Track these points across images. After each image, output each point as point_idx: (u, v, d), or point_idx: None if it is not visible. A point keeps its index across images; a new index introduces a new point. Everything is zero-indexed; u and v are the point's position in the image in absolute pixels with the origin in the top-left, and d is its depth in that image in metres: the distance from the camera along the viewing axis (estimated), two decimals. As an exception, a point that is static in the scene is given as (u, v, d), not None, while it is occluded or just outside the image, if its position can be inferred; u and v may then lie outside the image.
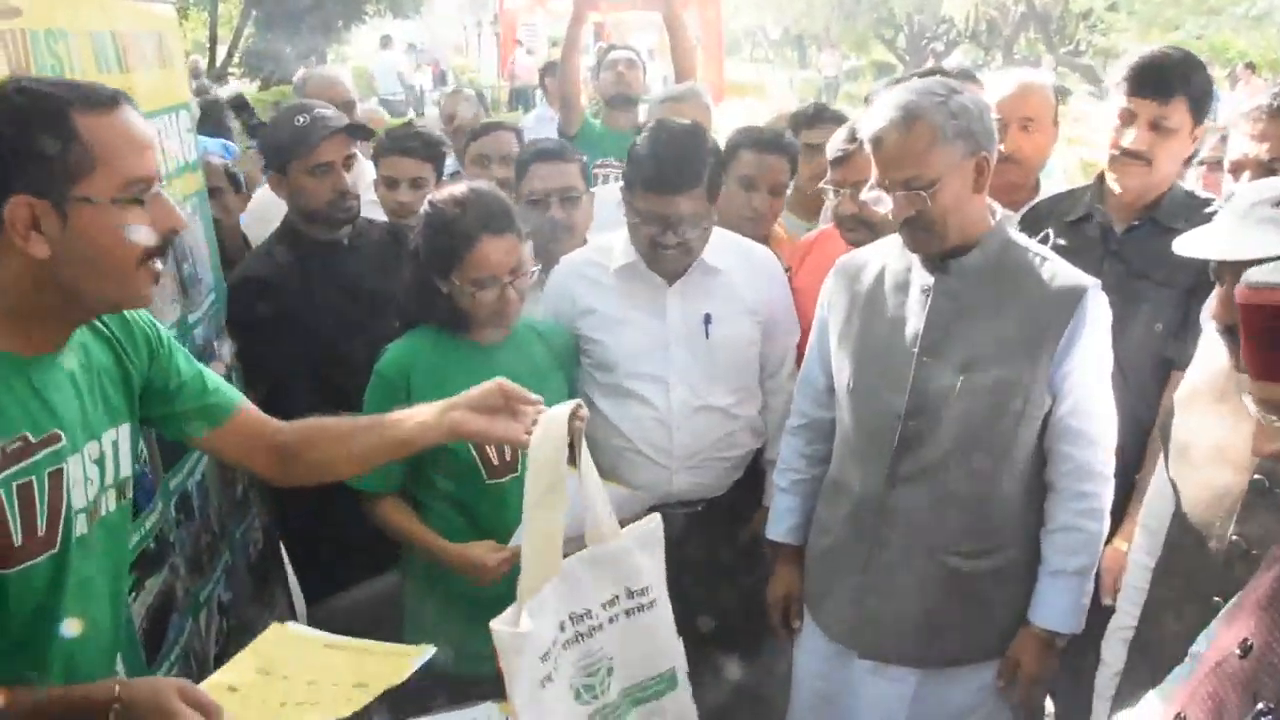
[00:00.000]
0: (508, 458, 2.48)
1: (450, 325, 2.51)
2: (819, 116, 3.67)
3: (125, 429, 1.73)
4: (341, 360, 2.73)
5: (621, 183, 2.77)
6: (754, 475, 2.91)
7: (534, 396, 1.96)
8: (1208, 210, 2.52)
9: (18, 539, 1.49)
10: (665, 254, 2.64)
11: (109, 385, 1.71)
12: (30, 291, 1.50)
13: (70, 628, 1.62)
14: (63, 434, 1.57)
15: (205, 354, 2.91)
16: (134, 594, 2.26)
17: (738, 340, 2.77)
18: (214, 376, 1.95)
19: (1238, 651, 1.38)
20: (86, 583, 1.65)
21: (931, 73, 3.85)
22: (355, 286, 2.96)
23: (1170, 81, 2.54)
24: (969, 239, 2.25)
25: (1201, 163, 3.50)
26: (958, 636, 2.38)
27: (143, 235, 1.53)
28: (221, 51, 21.12)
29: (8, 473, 1.48)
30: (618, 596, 2.03)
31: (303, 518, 3.08)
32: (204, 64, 18.06)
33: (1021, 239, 2.35)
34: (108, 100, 1.53)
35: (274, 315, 2.81)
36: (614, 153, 4.31)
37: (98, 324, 1.71)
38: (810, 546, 2.59)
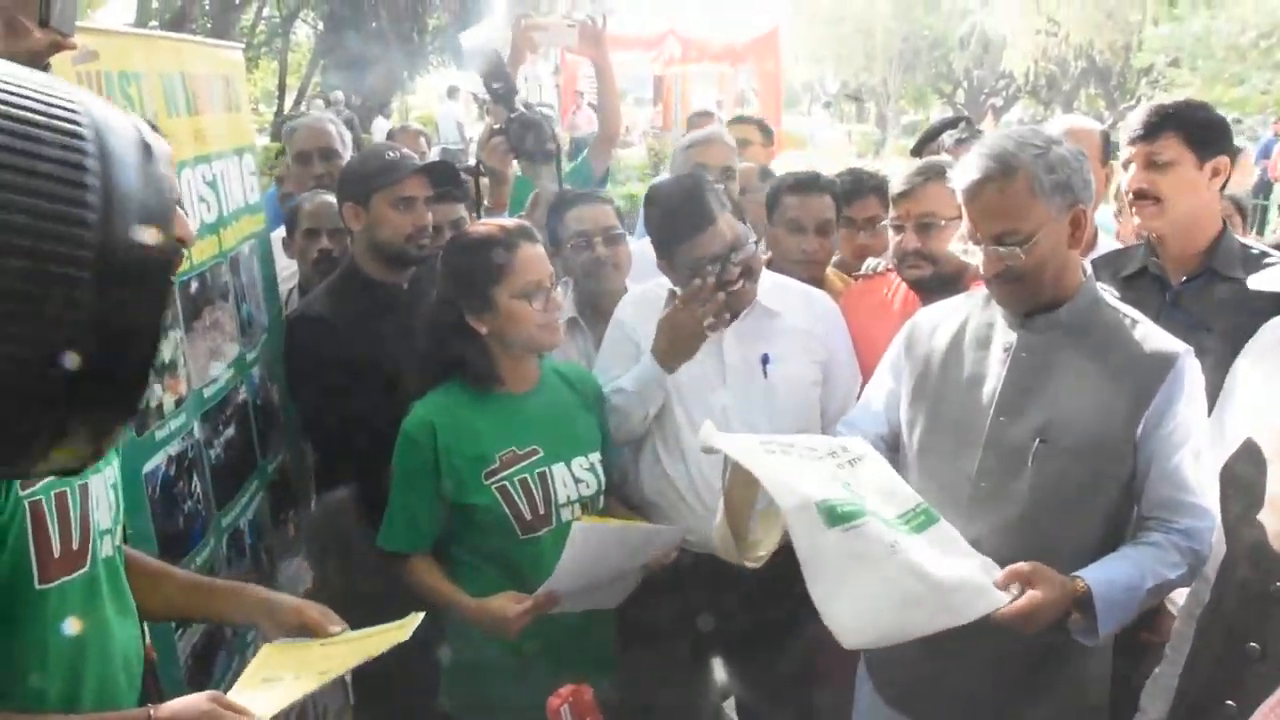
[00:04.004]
0: (540, 512, 2.46)
1: (479, 378, 2.48)
2: (858, 189, 3.49)
3: (116, 468, 1.73)
4: (393, 401, 2.73)
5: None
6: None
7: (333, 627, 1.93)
8: (1268, 261, 2.50)
9: (56, 550, 1.51)
10: (733, 290, 2.60)
11: None
12: None
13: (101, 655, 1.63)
14: None
15: (262, 392, 2.94)
16: (180, 631, 2.26)
17: (798, 381, 2.73)
18: None
19: None
20: (118, 609, 1.67)
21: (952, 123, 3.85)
22: (413, 330, 2.96)
23: (1155, 122, 2.63)
24: (1059, 295, 2.17)
25: None
26: (1021, 712, 2.25)
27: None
28: (290, 100, 21.63)
29: (47, 481, 1.50)
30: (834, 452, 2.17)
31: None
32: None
33: (1110, 299, 2.26)
34: None
35: (329, 355, 2.81)
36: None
37: None
38: None
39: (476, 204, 3.53)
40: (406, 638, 1.82)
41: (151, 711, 1.52)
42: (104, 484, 1.64)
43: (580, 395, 2.64)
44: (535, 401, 2.53)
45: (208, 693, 1.59)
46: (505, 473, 2.43)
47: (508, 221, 2.58)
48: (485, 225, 2.54)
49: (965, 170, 2.14)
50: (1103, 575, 2.03)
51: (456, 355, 2.47)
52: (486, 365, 2.47)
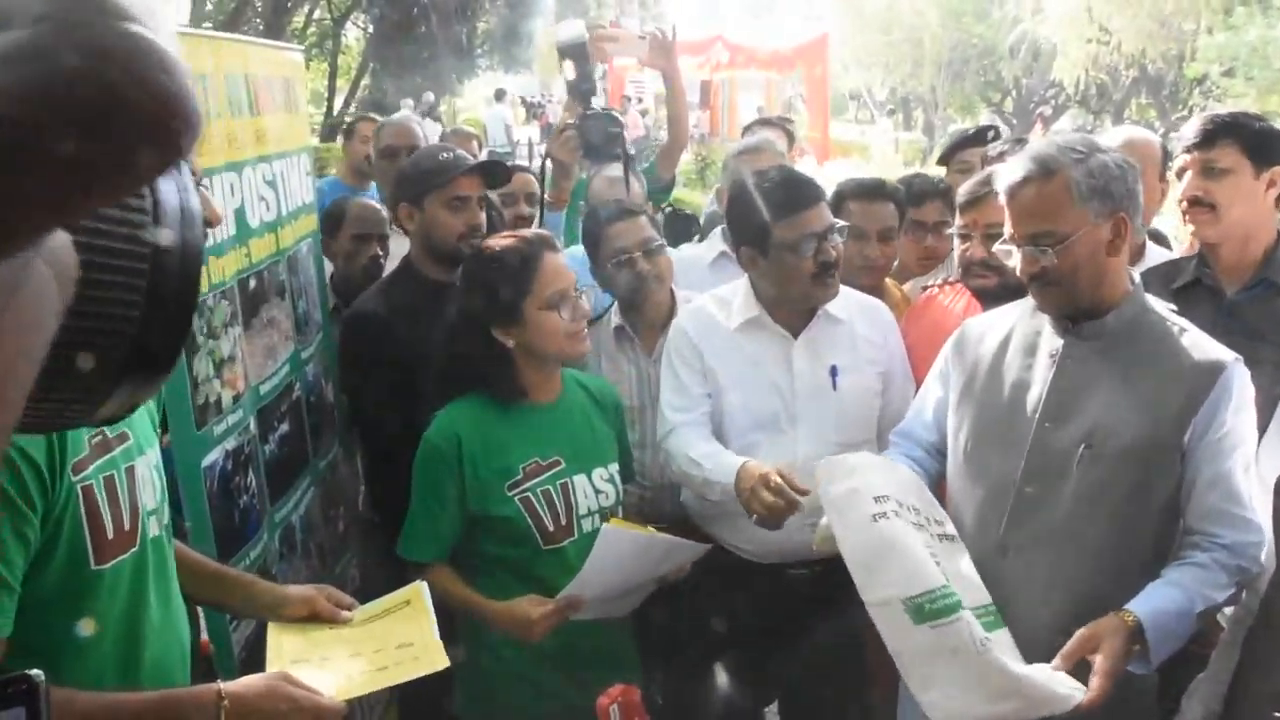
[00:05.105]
0: (563, 523, 2.47)
1: (504, 391, 2.49)
2: (925, 193, 3.54)
3: (158, 450, 1.79)
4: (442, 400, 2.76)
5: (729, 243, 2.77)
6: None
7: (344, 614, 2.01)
8: None
9: (109, 532, 1.57)
10: (829, 277, 2.62)
11: (151, 403, 1.82)
12: None
13: (160, 629, 1.69)
14: (131, 434, 1.65)
15: (315, 388, 2.97)
16: (234, 624, 2.30)
17: (864, 391, 2.74)
18: None
19: None
20: (164, 588, 1.73)
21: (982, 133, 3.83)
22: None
23: (1211, 131, 2.63)
24: (1103, 302, 2.17)
25: None
26: None
27: None
28: (339, 102, 21.84)
29: (96, 465, 1.55)
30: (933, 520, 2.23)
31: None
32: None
33: (1160, 307, 2.26)
34: None
35: (383, 351, 2.86)
36: None
37: None
38: None
39: (540, 200, 3.54)
40: (444, 665, 1.88)
41: (221, 687, 1.58)
42: (148, 466, 1.69)
43: (600, 406, 2.66)
44: (558, 412, 2.56)
45: (275, 671, 1.67)
46: (528, 484, 2.45)
47: (527, 232, 2.59)
48: (506, 238, 2.55)
49: (1008, 172, 2.18)
50: (1153, 606, 2.02)
51: (481, 369, 2.49)
52: (511, 378, 2.48)
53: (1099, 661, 1.95)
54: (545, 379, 2.53)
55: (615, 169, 3.81)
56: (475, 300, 2.47)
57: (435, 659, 1.88)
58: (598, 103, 3.51)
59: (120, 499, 1.59)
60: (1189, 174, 2.65)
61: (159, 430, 1.83)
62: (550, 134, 3.78)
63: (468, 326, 2.48)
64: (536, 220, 3.73)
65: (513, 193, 3.93)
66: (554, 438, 2.50)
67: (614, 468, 2.59)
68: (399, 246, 3.52)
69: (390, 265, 3.58)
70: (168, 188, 0.70)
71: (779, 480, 2.31)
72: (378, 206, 3.77)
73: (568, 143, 3.44)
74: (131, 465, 1.63)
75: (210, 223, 1.67)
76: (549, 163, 3.57)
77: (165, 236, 0.69)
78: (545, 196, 3.61)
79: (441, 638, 1.97)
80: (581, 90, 3.45)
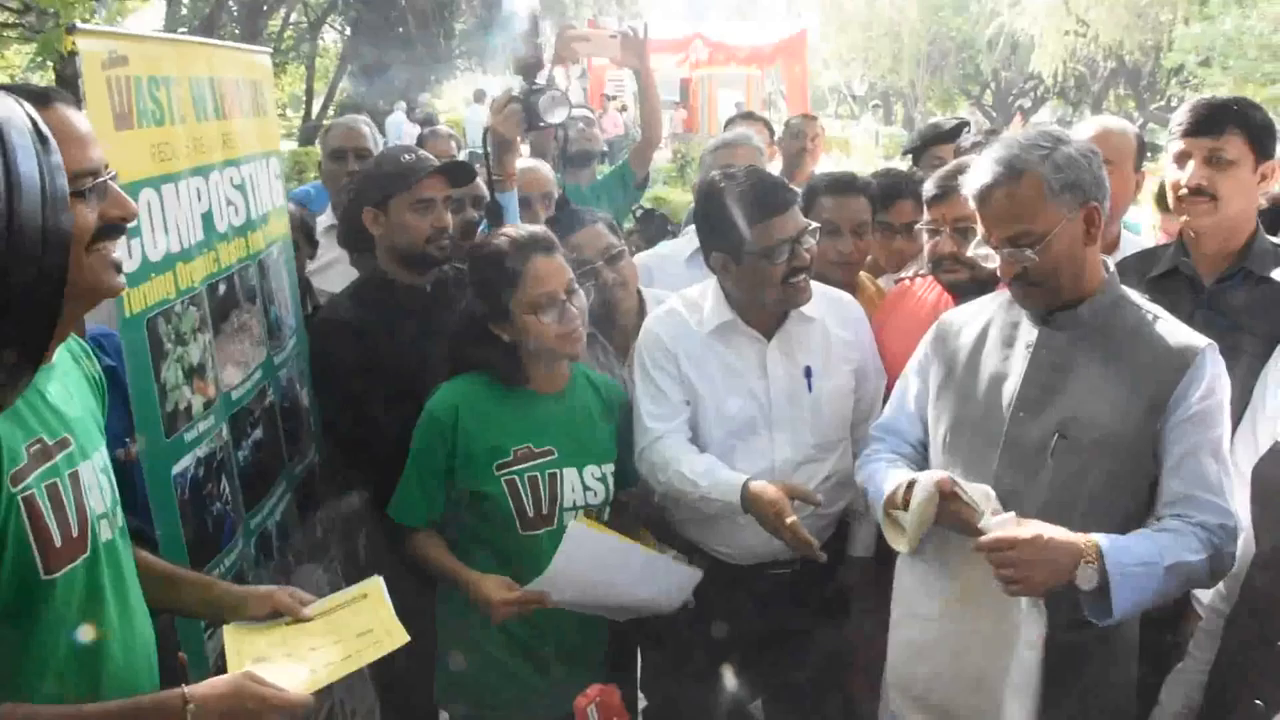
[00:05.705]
0: (544, 512, 2.50)
1: (506, 377, 2.53)
2: (895, 192, 3.41)
3: (105, 452, 1.76)
4: (417, 402, 2.73)
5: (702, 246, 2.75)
6: (838, 529, 2.84)
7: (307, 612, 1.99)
8: None
9: (57, 540, 1.53)
10: (799, 281, 2.59)
11: (94, 406, 1.77)
12: None
13: (114, 636, 1.66)
14: (72, 439, 1.61)
15: (289, 394, 2.95)
16: (209, 632, 2.27)
17: (839, 391, 2.72)
18: None
19: None
20: (122, 593, 1.69)
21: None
22: (435, 333, 2.96)
23: (1220, 118, 2.53)
24: (1081, 292, 2.16)
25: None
26: (1045, 715, 2.19)
27: (86, 221, 1.50)
28: (317, 105, 21.78)
29: (36, 474, 1.52)
30: None
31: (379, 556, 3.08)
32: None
33: (1135, 296, 2.25)
34: (39, 98, 1.49)
35: (354, 358, 2.83)
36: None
37: (77, 354, 1.78)
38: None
39: (488, 180, 3.37)
40: (405, 641, 1.88)
41: (186, 691, 1.56)
42: (93, 470, 1.66)
43: (605, 404, 2.67)
44: (560, 405, 2.57)
45: (239, 672, 1.65)
46: (516, 466, 2.48)
47: (523, 231, 2.57)
48: (503, 234, 2.55)
49: (975, 176, 2.15)
50: (1116, 541, 1.99)
51: (484, 357, 2.52)
52: (514, 366, 2.52)
53: (1027, 524, 1.98)
54: (547, 371, 2.56)
55: (525, 160, 3.74)
56: (473, 294, 2.52)
57: (396, 637, 1.89)
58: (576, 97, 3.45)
59: (66, 506, 1.56)
60: (1192, 162, 2.56)
61: (105, 433, 1.79)
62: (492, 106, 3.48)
63: (469, 319, 2.54)
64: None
65: (459, 198, 3.59)
66: (551, 428, 2.52)
67: (608, 467, 2.59)
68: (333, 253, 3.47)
69: (328, 270, 3.57)
70: (29, 166, 0.64)
71: (799, 526, 2.35)
72: (299, 212, 3.67)
73: (510, 116, 3.27)
74: (75, 470, 1.60)
75: (125, 218, 1.59)
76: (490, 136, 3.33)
77: (23, 213, 0.63)
78: (491, 175, 3.37)
79: (426, 628, 1.95)
80: (526, 65, 3.29)
